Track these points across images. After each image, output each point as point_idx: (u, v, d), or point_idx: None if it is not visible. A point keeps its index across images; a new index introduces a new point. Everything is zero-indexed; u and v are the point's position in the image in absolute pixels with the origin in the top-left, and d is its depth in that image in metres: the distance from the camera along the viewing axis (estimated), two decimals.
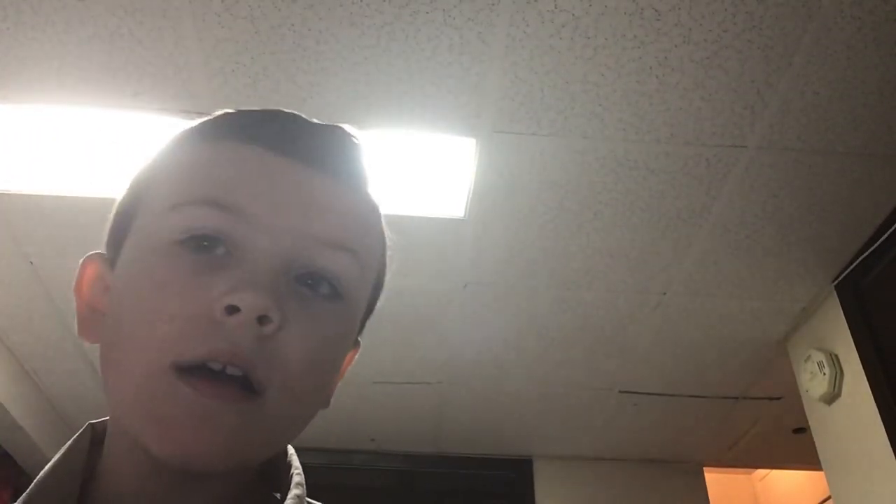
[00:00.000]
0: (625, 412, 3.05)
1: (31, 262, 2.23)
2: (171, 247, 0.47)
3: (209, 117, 0.55)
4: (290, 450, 0.56)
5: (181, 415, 0.43)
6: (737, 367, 2.73)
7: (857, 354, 2.19)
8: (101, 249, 0.55)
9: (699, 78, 1.67)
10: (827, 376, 2.27)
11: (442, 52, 1.62)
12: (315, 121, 0.55)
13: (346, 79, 1.68)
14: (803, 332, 2.47)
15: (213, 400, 0.43)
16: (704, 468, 3.52)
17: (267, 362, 0.45)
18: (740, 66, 1.64)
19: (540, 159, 1.87)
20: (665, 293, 2.34)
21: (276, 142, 0.51)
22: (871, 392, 2.13)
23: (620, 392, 2.91)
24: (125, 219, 0.52)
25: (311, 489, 0.55)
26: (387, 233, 0.57)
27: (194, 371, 0.44)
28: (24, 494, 0.49)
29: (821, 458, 2.42)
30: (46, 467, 0.50)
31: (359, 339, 0.57)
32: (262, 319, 0.44)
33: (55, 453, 0.52)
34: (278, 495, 0.55)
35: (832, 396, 2.30)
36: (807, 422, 2.51)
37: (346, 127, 0.55)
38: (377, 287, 0.57)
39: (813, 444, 2.46)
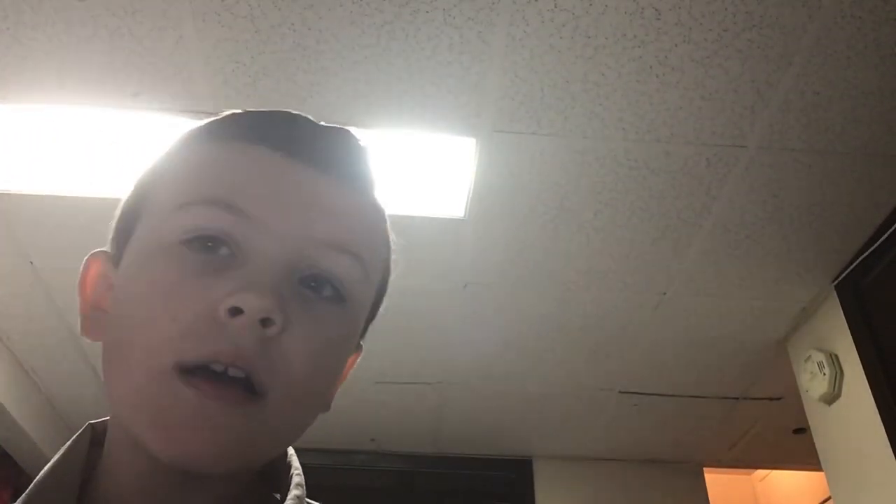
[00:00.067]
0: (625, 412, 3.05)
1: (31, 262, 2.23)
2: (175, 247, 0.47)
3: (217, 117, 0.54)
4: (290, 450, 0.56)
5: (182, 416, 0.43)
6: (737, 367, 2.73)
7: (857, 354, 2.19)
8: (98, 250, 0.55)
9: (699, 77, 1.67)
10: (827, 376, 2.27)
11: (442, 52, 1.62)
12: (322, 123, 0.55)
13: (345, 78, 1.68)
14: (803, 332, 2.47)
15: (214, 401, 0.43)
16: (704, 468, 3.52)
17: (269, 364, 0.45)
18: (740, 65, 1.64)
19: (540, 159, 1.87)
20: (665, 293, 2.34)
21: (283, 143, 0.51)
22: (871, 392, 2.13)
23: (620, 392, 2.91)
24: (130, 217, 0.52)
25: (312, 489, 0.55)
26: (392, 237, 0.57)
27: (196, 372, 0.44)
28: (23, 494, 0.48)
29: (821, 458, 2.42)
30: (46, 467, 0.50)
31: (361, 342, 0.57)
32: (264, 321, 0.44)
33: (55, 453, 0.52)
34: (278, 496, 0.55)
35: (832, 396, 2.30)
36: (807, 422, 2.51)
37: (353, 130, 0.55)
38: (381, 291, 0.57)
39: (813, 444, 2.46)
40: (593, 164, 1.89)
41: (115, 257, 0.53)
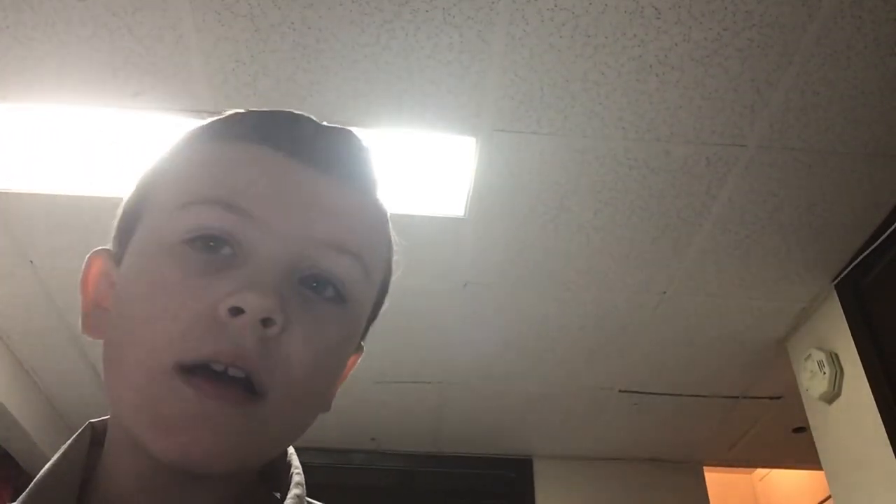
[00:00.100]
0: (625, 412, 3.05)
1: (31, 262, 2.23)
2: (177, 246, 0.47)
3: (220, 117, 0.54)
4: (290, 449, 0.56)
5: (182, 415, 0.43)
6: (737, 367, 2.73)
7: (857, 354, 2.19)
8: (100, 248, 0.55)
9: (699, 77, 1.67)
10: (827, 376, 2.27)
11: (442, 51, 1.62)
12: (325, 123, 0.55)
13: (345, 77, 1.68)
14: (803, 332, 2.47)
15: (214, 401, 0.43)
16: (704, 468, 3.52)
17: (269, 364, 0.45)
18: (740, 65, 1.64)
19: (540, 159, 1.87)
20: (665, 293, 2.34)
21: (286, 143, 0.51)
22: (871, 391, 2.13)
23: (620, 392, 2.91)
24: (132, 216, 0.53)
25: (312, 489, 0.55)
26: (394, 238, 0.57)
27: (196, 371, 0.44)
28: (23, 494, 0.48)
29: (821, 457, 2.42)
30: (46, 466, 0.50)
31: (362, 343, 0.57)
32: (265, 321, 0.44)
33: (55, 453, 0.52)
34: (278, 495, 0.55)
35: (832, 396, 2.30)
36: (807, 421, 2.51)
37: (353, 130, 0.55)
38: (382, 292, 0.57)
39: (813, 443, 2.46)
40: (593, 163, 1.89)
41: (117, 256, 0.53)
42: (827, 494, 2.93)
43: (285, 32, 1.58)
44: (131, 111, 1.74)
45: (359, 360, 0.58)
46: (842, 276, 2.24)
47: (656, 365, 2.72)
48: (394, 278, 0.58)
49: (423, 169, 1.92)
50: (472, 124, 1.78)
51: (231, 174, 0.50)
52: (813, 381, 2.34)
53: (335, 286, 0.49)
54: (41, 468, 0.50)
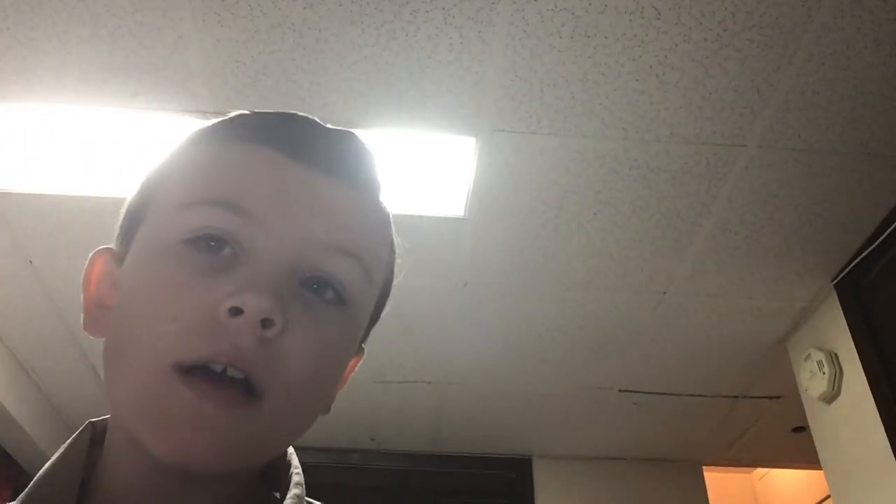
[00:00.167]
0: (625, 412, 3.05)
1: (31, 262, 2.23)
2: (178, 246, 0.47)
3: (224, 118, 0.55)
4: (290, 449, 0.56)
5: (180, 416, 0.43)
6: (737, 367, 2.73)
7: (856, 354, 2.19)
8: (103, 247, 0.55)
9: (699, 77, 1.67)
10: (826, 375, 2.27)
11: (442, 51, 1.62)
12: (329, 126, 0.55)
13: (345, 78, 1.68)
14: (803, 332, 2.47)
15: (212, 401, 0.43)
16: (704, 468, 3.52)
17: (268, 365, 0.45)
18: (740, 65, 1.64)
19: (540, 159, 1.87)
20: (665, 293, 2.34)
21: (289, 145, 0.51)
22: (870, 391, 2.13)
23: (620, 392, 2.91)
24: (136, 215, 0.53)
25: (311, 488, 0.55)
26: (397, 241, 0.57)
27: (196, 372, 0.44)
28: (23, 493, 0.48)
29: (820, 457, 2.42)
30: (46, 466, 0.50)
31: (363, 346, 0.57)
32: (265, 322, 0.44)
33: (55, 452, 0.52)
34: (278, 494, 0.55)
35: (832, 395, 2.30)
36: (806, 421, 2.51)
37: (354, 131, 0.55)
38: (384, 295, 0.57)
39: (812, 443, 2.46)
40: (593, 163, 1.89)
41: (120, 255, 0.53)
42: (826, 494, 2.93)
43: (285, 33, 1.58)
44: (131, 111, 1.74)
45: (360, 363, 0.58)
46: (842, 276, 2.24)
47: (656, 365, 2.72)
48: (396, 281, 0.58)
49: (423, 169, 1.92)
50: (472, 124, 1.78)
51: (233, 175, 0.50)
52: (812, 381, 2.34)
53: (335, 288, 0.49)
54: (41, 468, 0.50)
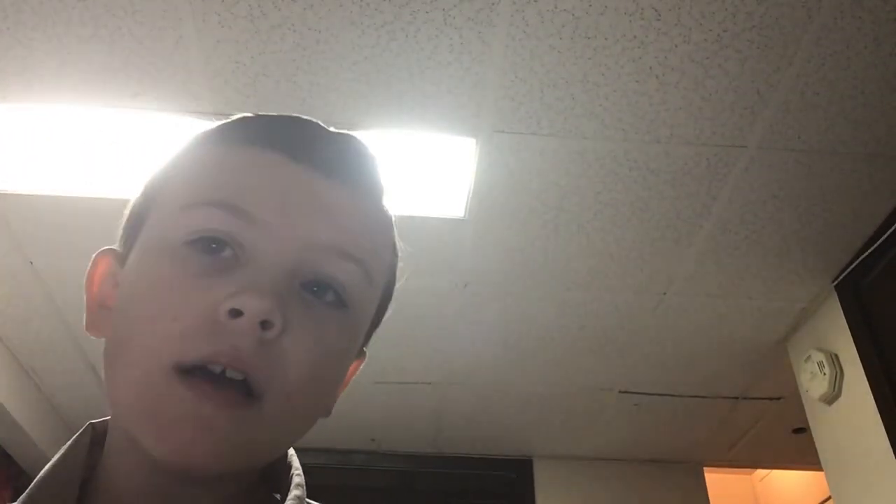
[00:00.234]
0: (625, 412, 3.05)
1: (31, 262, 2.23)
2: (179, 247, 0.47)
3: (227, 120, 0.55)
4: (291, 450, 0.56)
5: (179, 417, 0.43)
6: (737, 367, 2.73)
7: (857, 354, 2.19)
8: (106, 247, 0.55)
9: (699, 78, 1.67)
10: (827, 376, 2.27)
11: (442, 52, 1.62)
12: (332, 129, 0.55)
13: (345, 78, 1.68)
14: (803, 333, 2.47)
15: (211, 402, 0.43)
16: (704, 468, 3.52)
17: (267, 366, 0.45)
18: (740, 66, 1.64)
19: (540, 159, 1.87)
20: (665, 293, 2.34)
21: (292, 148, 0.51)
22: (871, 392, 2.13)
23: (620, 392, 2.91)
24: (139, 216, 0.53)
25: (312, 489, 0.55)
26: (399, 244, 0.57)
27: (195, 372, 0.44)
28: (24, 494, 0.49)
29: (821, 458, 2.42)
30: (46, 467, 0.50)
31: (364, 349, 0.57)
32: (264, 324, 0.44)
33: (55, 453, 0.52)
34: (278, 496, 0.55)
35: (832, 396, 2.30)
36: (807, 422, 2.51)
37: (354, 131, 0.55)
38: (385, 298, 0.57)
39: (813, 444, 2.46)
40: (593, 164, 1.89)
41: (123, 256, 0.53)
42: (827, 495, 2.92)
43: (285, 34, 1.58)
44: (131, 111, 1.74)
45: (361, 367, 0.58)
46: (842, 276, 2.24)
47: (656, 365, 2.72)
48: (398, 285, 0.58)
49: (423, 170, 1.92)
50: (472, 125, 1.78)
51: (235, 177, 0.50)
52: (813, 382, 2.34)
53: (336, 290, 0.49)
54: (41, 468, 0.50)
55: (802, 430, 3.01)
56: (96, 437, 0.53)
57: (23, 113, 1.76)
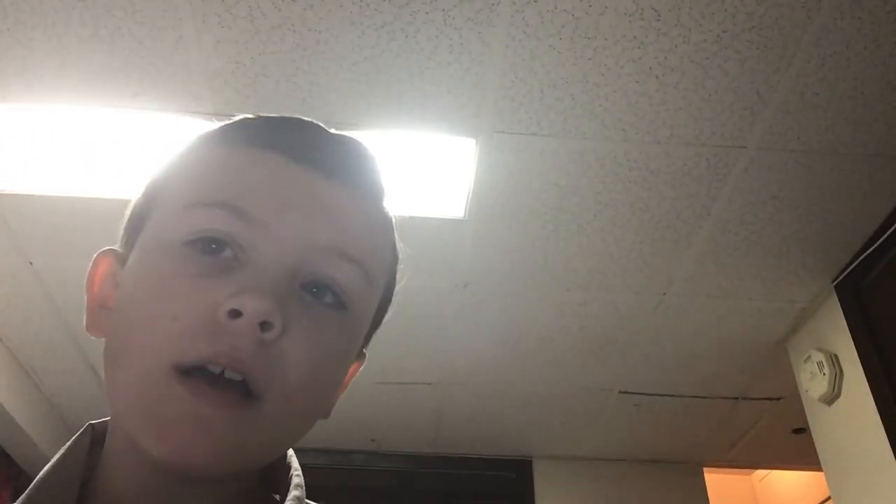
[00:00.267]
0: (625, 412, 3.05)
1: (31, 263, 2.23)
2: (179, 247, 0.47)
3: (228, 121, 0.55)
4: (290, 451, 0.56)
5: (177, 417, 0.43)
6: (737, 368, 2.73)
7: (856, 354, 2.19)
8: (107, 248, 0.55)
9: (699, 78, 1.67)
10: (827, 376, 2.27)
11: (442, 52, 1.62)
12: (333, 131, 0.55)
13: (345, 79, 1.68)
14: (803, 333, 2.47)
15: (210, 403, 0.43)
16: (704, 468, 3.52)
17: (267, 367, 0.45)
18: (740, 66, 1.64)
19: (540, 159, 1.87)
20: (665, 293, 2.34)
21: (292, 149, 0.51)
22: (870, 392, 2.13)
23: (620, 392, 2.91)
24: (139, 216, 0.53)
25: (311, 489, 0.55)
26: (399, 246, 0.57)
27: (194, 373, 0.44)
28: (23, 494, 0.48)
29: (821, 458, 2.42)
30: (46, 467, 0.50)
31: (364, 351, 0.57)
32: (264, 325, 0.44)
33: (55, 453, 0.52)
34: (277, 496, 0.55)
35: (832, 397, 2.30)
36: (807, 422, 2.51)
37: (354, 132, 0.55)
38: (385, 299, 0.57)
39: (813, 444, 2.46)
40: (593, 164, 1.89)
41: (123, 256, 0.53)
42: (827, 495, 2.92)
43: (285, 34, 1.58)
44: (131, 111, 1.74)
45: (361, 368, 0.58)
46: (842, 276, 2.24)
47: (656, 366, 2.72)
48: (399, 286, 0.58)
49: (423, 170, 1.92)
50: (471, 125, 1.78)
51: (236, 178, 0.50)
52: (813, 383, 2.34)
53: (335, 292, 0.49)
54: (41, 468, 0.50)
55: (802, 430, 3.01)
56: (96, 438, 0.53)
57: (23, 113, 1.76)
